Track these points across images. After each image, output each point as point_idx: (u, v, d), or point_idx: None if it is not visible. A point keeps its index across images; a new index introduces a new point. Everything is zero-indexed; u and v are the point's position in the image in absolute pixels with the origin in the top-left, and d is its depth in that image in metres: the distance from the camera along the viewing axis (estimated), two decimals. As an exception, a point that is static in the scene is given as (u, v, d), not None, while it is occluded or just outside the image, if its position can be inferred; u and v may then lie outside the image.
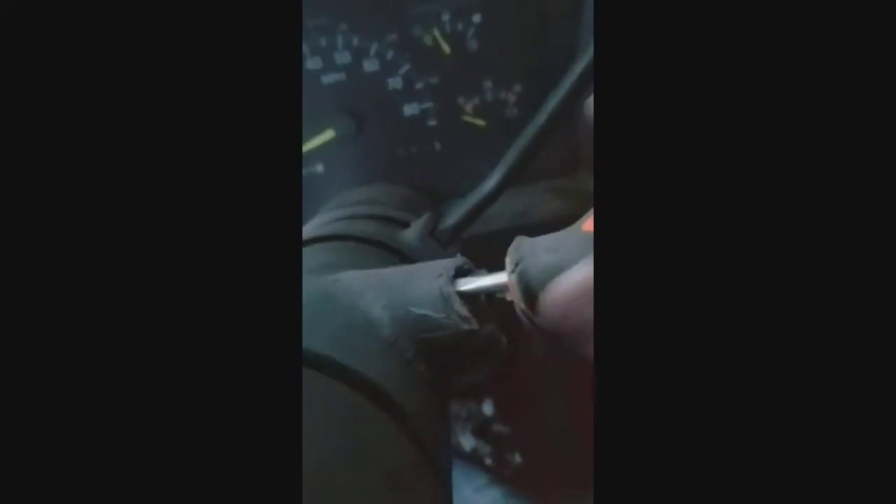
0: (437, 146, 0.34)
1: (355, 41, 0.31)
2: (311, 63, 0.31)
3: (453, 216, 0.26)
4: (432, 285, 0.16)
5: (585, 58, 0.21)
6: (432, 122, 0.34)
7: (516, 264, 0.15)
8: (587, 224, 0.15)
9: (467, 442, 0.46)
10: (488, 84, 0.33)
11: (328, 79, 0.31)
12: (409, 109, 0.33)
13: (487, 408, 0.47)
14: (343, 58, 0.31)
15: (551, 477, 0.43)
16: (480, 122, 0.34)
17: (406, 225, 0.26)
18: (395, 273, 0.17)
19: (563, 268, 0.15)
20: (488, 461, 0.45)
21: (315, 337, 0.14)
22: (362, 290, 0.17)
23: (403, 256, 0.24)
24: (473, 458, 0.46)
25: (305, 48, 0.30)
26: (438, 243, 0.25)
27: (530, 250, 0.15)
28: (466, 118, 0.34)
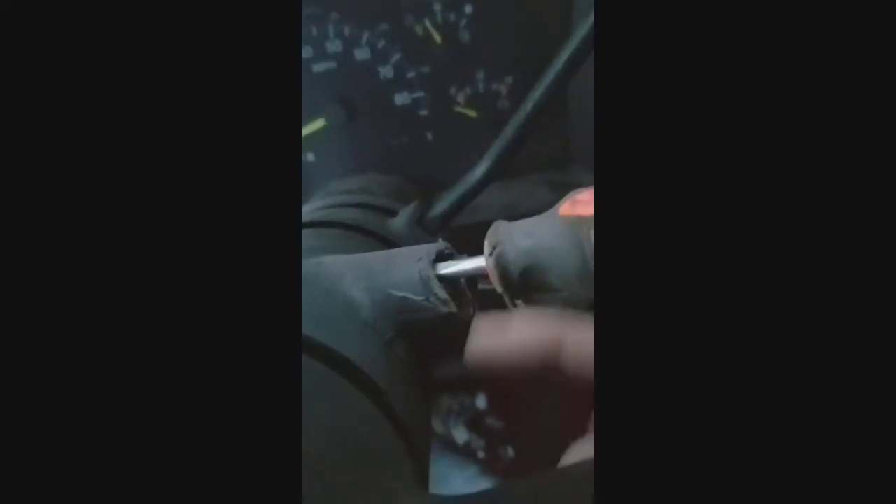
0: (429, 136, 0.34)
1: (346, 30, 0.31)
2: (303, 52, 0.31)
3: (441, 205, 0.26)
4: (412, 269, 0.16)
5: (568, 48, 0.21)
6: (424, 112, 0.34)
7: (493, 247, 0.15)
8: (563, 209, 0.15)
9: (460, 435, 0.47)
10: (480, 75, 0.33)
11: (319, 67, 0.31)
12: (401, 99, 0.33)
13: (481, 401, 0.47)
14: (334, 46, 0.31)
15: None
16: (472, 113, 0.34)
17: (394, 214, 0.26)
18: (377, 257, 0.18)
19: (539, 251, 0.15)
20: (481, 454, 0.46)
21: None
22: (343, 273, 0.17)
23: (390, 244, 0.24)
24: (466, 452, 0.46)
25: (296, 36, 0.30)
26: (426, 232, 0.26)
27: (507, 234, 0.15)
28: (458, 109, 0.34)
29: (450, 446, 0.45)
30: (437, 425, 0.46)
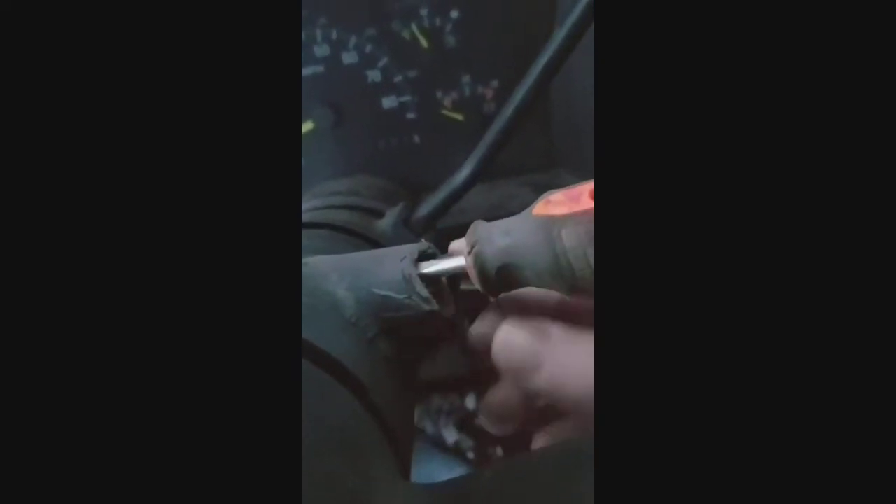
0: (416, 139, 0.35)
1: (334, 34, 0.31)
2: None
3: (426, 206, 0.26)
4: (395, 268, 0.17)
5: (549, 50, 0.22)
6: (411, 116, 0.34)
7: (472, 246, 0.16)
8: (537, 209, 0.16)
9: (450, 435, 0.47)
10: (466, 79, 0.34)
11: (307, 71, 0.32)
12: (388, 102, 0.33)
13: (470, 402, 0.47)
14: (322, 51, 0.31)
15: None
16: (458, 117, 0.35)
17: (381, 215, 0.27)
18: (361, 257, 0.18)
19: (515, 249, 0.15)
20: (470, 455, 0.46)
21: None
22: (327, 273, 0.17)
23: (377, 245, 0.24)
24: (456, 452, 0.46)
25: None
26: (412, 232, 0.26)
27: (486, 233, 0.16)
28: (445, 112, 0.34)
29: (439, 447, 0.45)
30: (427, 426, 0.46)
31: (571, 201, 0.15)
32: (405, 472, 0.16)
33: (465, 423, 0.46)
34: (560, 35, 0.22)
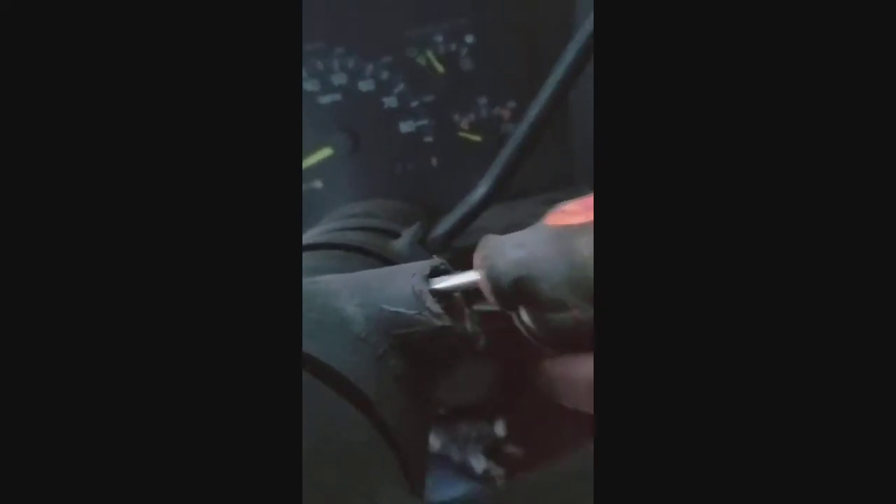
0: (434, 162, 0.35)
1: (351, 63, 0.32)
2: (309, 85, 0.32)
3: (443, 226, 0.26)
4: (406, 284, 0.17)
5: (562, 66, 0.22)
6: (428, 139, 0.35)
7: (484, 260, 0.16)
8: (550, 219, 0.15)
9: (478, 463, 0.46)
10: (483, 101, 0.34)
11: (325, 99, 0.32)
12: (406, 127, 0.34)
13: (499, 428, 0.46)
14: (339, 79, 0.32)
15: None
16: (476, 138, 0.35)
17: (397, 236, 0.27)
18: (372, 274, 0.18)
19: (530, 261, 0.15)
20: (500, 483, 0.44)
21: None
22: (338, 290, 0.17)
23: (391, 265, 0.24)
24: (485, 480, 0.45)
25: (303, 71, 0.32)
26: (428, 252, 0.26)
27: (497, 246, 0.16)
28: (462, 134, 0.35)
29: (468, 475, 0.44)
30: (453, 453, 0.45)
31: (587, 210, 0.15)
32: (417, 490, 0.15)
33: (495, 450, 0.45)
34: (573, 50, 0.22)
